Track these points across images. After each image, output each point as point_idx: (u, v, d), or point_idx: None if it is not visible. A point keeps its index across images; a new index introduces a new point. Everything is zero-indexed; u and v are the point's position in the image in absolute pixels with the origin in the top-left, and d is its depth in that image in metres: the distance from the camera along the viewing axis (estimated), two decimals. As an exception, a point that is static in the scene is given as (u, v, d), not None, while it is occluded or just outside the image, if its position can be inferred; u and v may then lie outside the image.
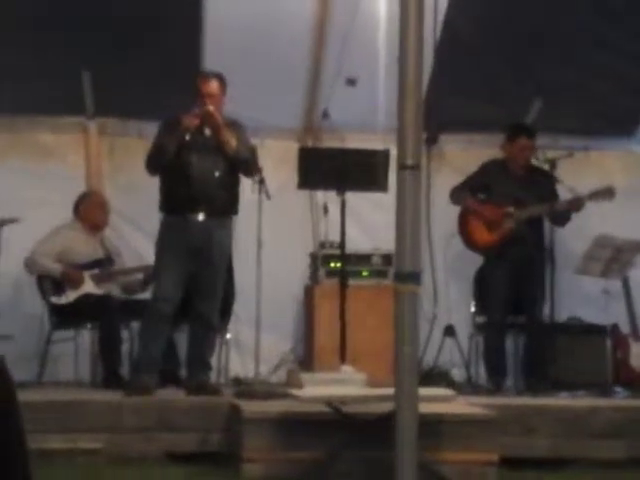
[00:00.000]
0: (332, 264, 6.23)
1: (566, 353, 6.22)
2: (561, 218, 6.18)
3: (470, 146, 6.82)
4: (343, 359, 5.48)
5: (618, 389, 6.07)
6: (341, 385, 4.77)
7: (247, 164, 5.41)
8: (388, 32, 5.37)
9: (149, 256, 5.74)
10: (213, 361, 5.78)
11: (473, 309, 6.49)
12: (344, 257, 5.80)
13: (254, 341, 5.72)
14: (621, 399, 5.87)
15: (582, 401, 5.65)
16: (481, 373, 6.36)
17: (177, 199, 5.34)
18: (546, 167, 6.23)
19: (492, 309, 6.24)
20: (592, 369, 6.23)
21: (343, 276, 5.75)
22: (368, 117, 6.27)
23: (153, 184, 5.49)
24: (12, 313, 6.13)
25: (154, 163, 5.39)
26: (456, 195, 6.30)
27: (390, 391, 3.94)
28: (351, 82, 6.16)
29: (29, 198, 6.20)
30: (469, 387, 6.19)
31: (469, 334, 6.48)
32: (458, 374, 6.49)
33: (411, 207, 3.89)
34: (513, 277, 6.13)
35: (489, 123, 6.56)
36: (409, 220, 3.88)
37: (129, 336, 5.98)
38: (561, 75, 6.39)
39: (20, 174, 6.35)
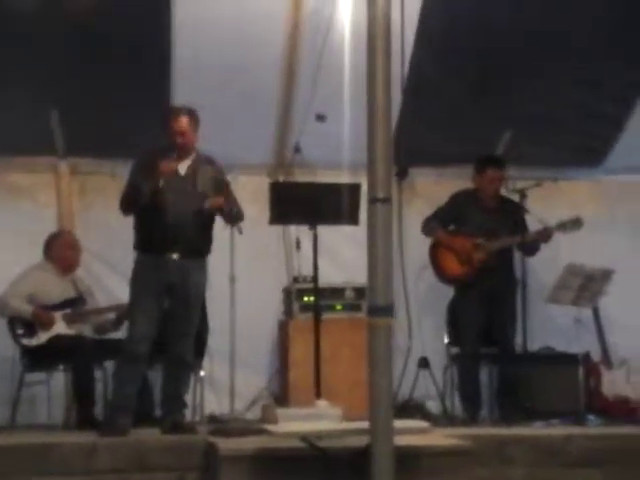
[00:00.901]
0: (306, 298, 6.25)
1: (539, 382, 6.27)
2: (530, 248, 6.25)
3: (441, 179, 6.89)
4: (318, 394, 5.47)
5: (591, 417, 6.11)
6: (317, 420, 4.75)
7: (238, 219, 5.40)
8: (353, 67, 5.42)
9: (122, 295, 5.71)
10: (188, 399, 5.74)
11: (446, 340, 6.52)
12: (317, 291, 5.81)
13: (229, 377, 5.70)
14: (594, 427, 5.91)
15: (556, 430, 5.68)
16: (456, 404, 6.38)
17: (152, 240, 5.31)
18: (515, 197, 6.30)
19: (465, 340, 6.27)
20: (565, 398, 6.27)
21: (317, 310, 5.75)
22: (338, 151, 6.31)
23: (126, 222, 5.47)
24: (-16, 356, 6.08)
25: (128, 205, 5.35)
26: (427, 227, 6.35)
27: (366, 425, 3.94)
28: (320, 118, 6.21)
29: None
30: (445, 419, 6.19)
31: (443, 366, 6.50)
32: (433, 406, 6.50)
33: (383, 240, 3.92)
34: (485, 308, 6.18)
35: (459, 156, 6.64)
36: (381, 253, 3.91)
37: (102, 376, 5.93)
38: (529, 107, 6.49)
39: (-10, 215, 6.33)
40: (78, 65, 5.93)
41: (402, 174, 6.75)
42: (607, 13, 5.94)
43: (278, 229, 6.61)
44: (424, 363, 6.53)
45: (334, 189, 5.77)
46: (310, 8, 5.84)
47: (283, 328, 6.47)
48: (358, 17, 4.83)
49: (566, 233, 6.19)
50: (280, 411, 4.93)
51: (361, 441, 4.12)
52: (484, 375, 6.46)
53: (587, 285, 6.42)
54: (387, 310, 3.90)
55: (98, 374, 5.90)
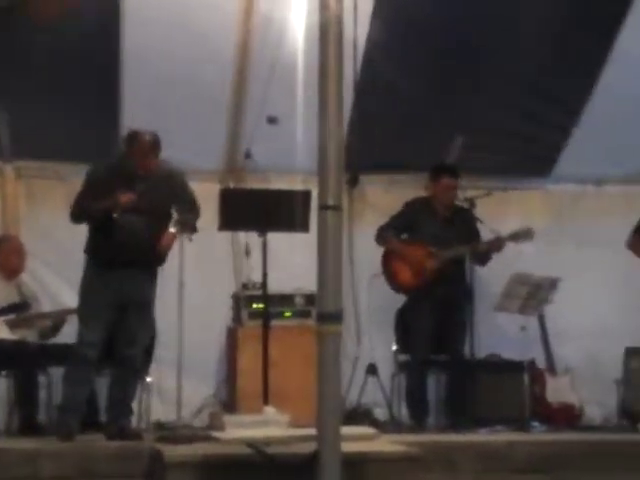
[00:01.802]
0: (254, 305, 6.23)
1: (486, 389, 6.33)
2: (482, 258, 6.30)
3: (391, 187, 6.90)
4: (266, 401, 5.45)
5: (535, 424, 6.19)
6: (264, 426, 4.73)
7: (192, 229, 5.41)
8: (306, 69, 5.42)
9: (67, 300, 5.64)
10: (134, 405, 5.69)
11: (395, 347, 6.53)
12: (266, 298, 5.80)
13: (176, 384, 5.65)
14: (538, 433, 5.98)
15: (501, 436, 5.75)
16: (404, 411, 6.39)
17: (104, 252, 5.29)
18: (466, 206, 6.35)
19: (414, 348, 6.30)
20: (510, 404, 6.33)
21: (266, 317, 5.73)
22: (290, 157, 6.30)
23: (72, 228, 5.42)
24: None
25: (78, 220, 5.36)
26: (381, 236, 6.35)
27: (313, 431, 3.93)
28: (272, 120, 6.17)
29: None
30: (392, 425, 6.21)
31: (391, 373, 6.51)
32: (381, 413, 6.51)
33: (333, 247, 3.92)
34: (435, 316, 6.21)
35: (409, 163, 6.66)
36: (331, 260, 3.91)
37: (46, 382, 5.84)
38: (480, 115, 6.53)
39: None
40: (26, 67, 5.85)
41: (353, 182, 6.76)
42: (554, 18, 6.01)
43: (227, 235, 6.57)
44: (372, 370, 6.54)
45: (285, 196, 5.77)
46: (262, 11, 5.83)
47: (232, 335, 6.44)
48: (311, 19, 4.82)
49: (518, 243, 6.25)
50: (227, 418, 4.90)
51: (309, 447, 4.11)
52: (431, 382, 6.49)
53: (534, 293, 6.49)
54: (336, 317, 3.90)
55: (42, 379, 5.81)
